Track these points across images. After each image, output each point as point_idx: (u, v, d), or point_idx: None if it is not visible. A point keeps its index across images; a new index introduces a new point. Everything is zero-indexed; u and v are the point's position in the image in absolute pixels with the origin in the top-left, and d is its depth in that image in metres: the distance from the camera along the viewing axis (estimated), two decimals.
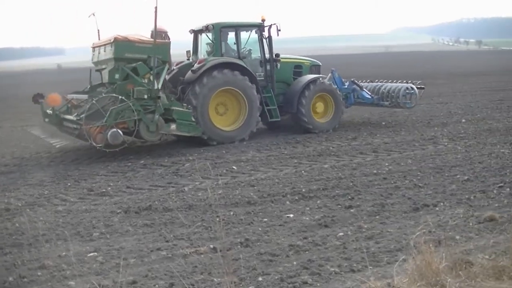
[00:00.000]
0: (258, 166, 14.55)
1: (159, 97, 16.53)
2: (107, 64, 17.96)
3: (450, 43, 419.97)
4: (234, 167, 14.41)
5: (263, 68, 20.40)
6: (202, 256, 7.96)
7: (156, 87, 16.53)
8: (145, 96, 16.29)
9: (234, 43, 20.09)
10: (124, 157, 16.24)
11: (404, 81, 22.69)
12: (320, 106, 20.61)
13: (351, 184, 12.11)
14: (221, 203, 10.80)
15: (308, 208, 10.37)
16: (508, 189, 11.30)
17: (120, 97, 16.04)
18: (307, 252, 8.06)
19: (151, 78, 16.71)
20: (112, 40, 17.23)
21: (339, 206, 10.46)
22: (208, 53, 20.27)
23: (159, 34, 18.41)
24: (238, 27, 20.20)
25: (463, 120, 22.24)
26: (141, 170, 14.69)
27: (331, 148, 16.73)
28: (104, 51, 17.97)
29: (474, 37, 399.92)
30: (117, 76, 17.03)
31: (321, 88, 20.51)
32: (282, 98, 20.68)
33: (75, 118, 16.09)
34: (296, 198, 11.16)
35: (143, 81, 16.72)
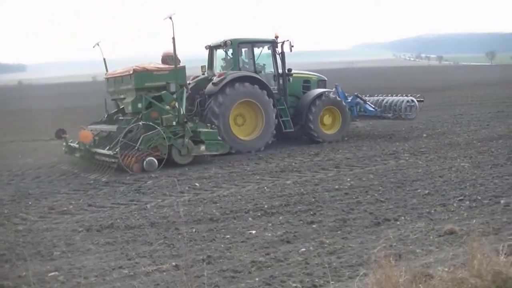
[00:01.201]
0: (220, 182, 14.58)
1: (186, 122, 17.64)
2: (126, 94, 18.90)
3: (412, 59, 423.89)
4: (196, 184, 14.42)
5: (276, 82, 21.87)
6: (165, 273, 7.94)
7: (182, 112, 17.73)
8: (174, 123, 17.43)
9: (250, 58, 21.60)
10: (86, 175, 16.16)
11: (404, 95, 24.04)
12: (327, 119, 22.07)
13: (313, 199, 12.17)
14: (184, 220, 10.77)
15: (270, 224, 10.41)
16: (467, 202, 11.46)
17: (152, 124, 17.11)
18: (269, 268, 8.08)
19: (177, 105, 17.68)
20: (131, 72, 18.12)
21: (301, 221, 10.51)
22: (223, 68, 21.91)
23: (171, 58, 19.45)
24: (254, 43, 21.80)
25: (424, 135, 22.56)
26: (103, 188, 14.63)
27: (293, 164, 16.85)
28: (122, 81, 18.95)
29: (435, 52, 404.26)
30: (139, 105, 17.84)
31: (329, 102, 21.92)
32: (293, 110, 21.99)
33: (111, 153, 16.61)
34: (259, 214, 11.19)
35: (167, 108, 17.64)
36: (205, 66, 22.39)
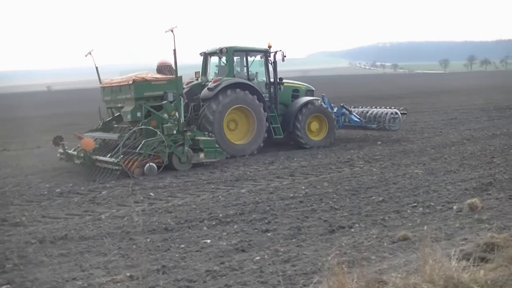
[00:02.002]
0: (175, 192, 14.49)
1: (185, 131, 18.34)
2: (124, 103, 19.47)
3: (367, 67, 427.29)
4: (151, 194, 14.31)
5: (267, 90, 22.74)
6: (119, 284, 7.86)
7: (182, 121, 18.56)
8: (174, 131, 18.08)
9: (244, 66, 22.69)
10: (40, 186, 15.99)
11: (388, 107, 24.98)
12: (314, 125, 22.91)
13: (268, 208, 12.17)
14: (138, 230, 10.67)
15: (225, 233, 10.38)
16: (421, 208, 11.60)
17: (154, 129, 17.90)
18: (224, 277, 8.06)
19: (177, 114, 18.42)
20: (130, 82, 18.77)
21: (256, 230, 10.51)
22: (217, 74, 22.74)
23: (166, 68, 20.87)
24: (248, 52, 22.79)
25: (379, 143, 22.80)
26: (57, 198, 14.40)
27: (248, 172, 16.84)
28: (120, 91, 19.49)
29: (390, 60, 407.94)
30: (139, 114, 18.58)
31: (316, 109, 22.84)
32: (281, 118, 22.84)
33: (114, 160, 17.05)
34: (213, 223, 11.14)
35: (165, 117, 18.33)
36: (199, 72, 22.89)
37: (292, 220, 11.08)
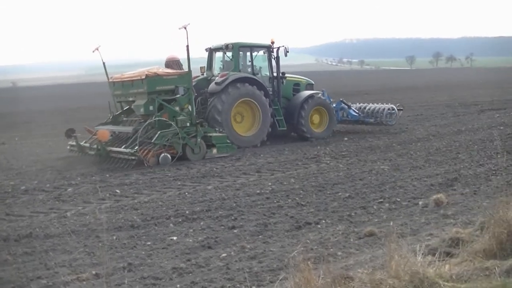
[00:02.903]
0: (141, 189, 14.40)
1: (198, 123, 19.31)
2: (136, 97, 20.21)
3: (334, 63, 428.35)
4: (117, 191, 14.20)
5: (271, 84, 23.65)
6: (84, 282, 7.81)
7: (194, 114, 19.64)
8: (188, 124, 19.12)
9: (249, 61, 23.64)
10: (3, 183, 15.81)
11: (385, 103, 25.84)
12: (316, 118, 23.96)
13: (235, 204, 12.17)
14: (104, 228, 10.57)
15: (191, 230, 10.36)
16: (387, 204, 11.69)
17: (168, 121, 18.77)
18: (190, 274, 8.05)
19: (190, 108, 19.59)
20: (143, 77, 19.49)
21: (223, 227, 10.50)
22: (222, 69, 23.59)
23: (175, 63, 22.35)
24: (252, 47, 23.79)
25: (345, 139, 22.92)
26: (22, 196, 14.21)
27: (215, 169, 16.79)
28: (132, 85, 20.19)
29: (356, 57, 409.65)
30: (151, 107, 19.31)
31: (318, 103, 23.86)
32: (284, 111, 23.60)
33: (131, 150, 17.75)
34: (180, 220, 11.11)
35: (176, 110, 19.36)
36: (204, 67, 24.12)
37: (258, 217, 11.09)
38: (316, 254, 8.14)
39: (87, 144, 19.88)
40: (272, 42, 23.72)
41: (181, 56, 22.17)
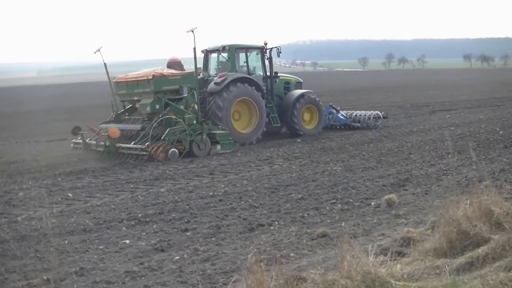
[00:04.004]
0: (94, 192, 14.25)
1: (203, 121, 20.45)
2: (141, 96, 21.20)
3: (287, 65, 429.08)
4: (69, 195, 14.05)
5: (264, 83, 24.69)
6: None
7: (200, 113, 20.58)
8: (194, 122, 20.06)
9: (244, 62, 24.66)
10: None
11: (371, 111, 27.61)
12: (307, 116, 25.31)
13: (187, 207, 12.12)
14: (56, 232, 10.48)
15: (144, 233, 10.30)
16: (339, 205, 11.76)
17: (176, 118, 19.72)
18: (143, 277, 8.01)
19: (196, 106, 20.66)
20: (150, 77, 20.53)
21: (176, 229, 10.46)
22: (218, 70, 24.80)
23: (176, 64, 23.19)
24: (247, 48, 24.95)
25: (298, 140, 23.02)
26: None
27: (167, 171, 16.69)
28: (138, 85, 21.18)
29: (310, 59, 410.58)
30: (157, 106, 20.34)
31: (309, 101, 25.26)
32: (277, 109, 24.69)
33: (142, 146, 18.68)
34: (133, 223, 11.04)
35: (181, 108, 20.33)
36: (200, 67, 23.98)
37: (211, 219, 11.07)
38: (269, 256, 8.15)
39: (93, 142, 20.71)
40: (265, 44, 24.93)
41: (180, 56, 23.98)
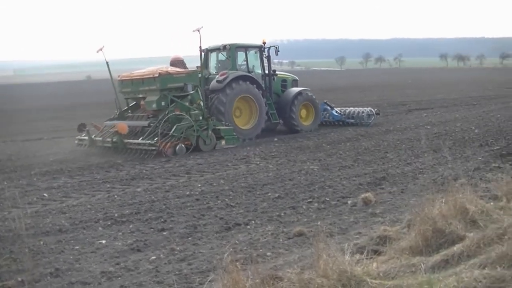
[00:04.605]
0: (70, 192, 14.15)
1: (209, 117, 21.31)
2: (147, 93, 21.97)
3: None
4: (45, 195, 13.92)
5: (263, 81, 25.47)
6: None
7: (205, 109, 21.49)
8: (200, 118, 20.93)
9: (244, 60, 25.54)
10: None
11: (364, 107, 28.45)
12: (304, 112, 26.22)
13: (164, 206, 12.08)
14: (31, 233, 10.40)
15: (120, 233, 10.24)
16: (316, 204, 11.77)
17: (184, 115, 20.55)
18: (119, 278, 7.96)
19: (201, 103, 21.53)
20: (156, 75, 21.28)
21: (152, 229, 10.42)
22: (217, 68, 25.70)
23: (179, 62, 24.31)
24: (247, 47, 25.82)
25: (275, 139, 23.06)
26: None
27: (144, 171, 16.64)
28: (143, 83, 21.99)
29: (287, 58, 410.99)
30: (163, 103, 21.09)
31: (306, 99, 26.25)
32: (275, 106, 25.66)
33: (151, 142, 19.45)
34: (109, 223, 10.97)
35: (186, 105, 21.16)
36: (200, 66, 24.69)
37: (188, 218, 11.04)
38: (245, 255, 8.13)
39: (100, 138, 21.56)
40: (264, 43, 25.93)
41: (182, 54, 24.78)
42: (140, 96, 22.35)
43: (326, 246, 6.50)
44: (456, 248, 6.79)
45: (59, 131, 29.31)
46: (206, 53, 25.67)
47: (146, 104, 21.78)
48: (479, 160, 15.63)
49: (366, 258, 6.77)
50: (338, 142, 21.35)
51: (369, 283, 6.01)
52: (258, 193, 13.08)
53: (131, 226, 10.72)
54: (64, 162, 18.72)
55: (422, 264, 6.50)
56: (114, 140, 20.74)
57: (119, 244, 9.61)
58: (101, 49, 23.43)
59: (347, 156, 17.63)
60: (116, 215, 11.53)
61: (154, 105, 21.29)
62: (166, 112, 20.60)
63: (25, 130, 30.46)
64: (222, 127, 21.71)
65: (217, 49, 25.64)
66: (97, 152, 21.14)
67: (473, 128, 23.00)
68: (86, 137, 21.91)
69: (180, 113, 20.65)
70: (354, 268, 6.21)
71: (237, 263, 6.21)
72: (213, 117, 22.15)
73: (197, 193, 13.33)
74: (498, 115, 28.04)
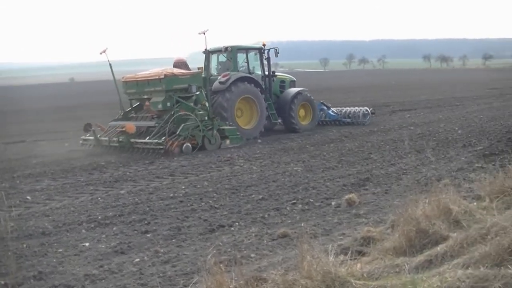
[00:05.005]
0: (53, 195, 14.07)
1: (214, 117, 21.68)
2: (152, 94, 22.43)
3: None
4: (28, 197, 13.84)
5: (263, 82, 25.94)
6: None
7: (211, 110, 22.02)
8: (206, 118, 21.40)
9: (245, 62, 26.00)
10: None
11: (361, 107, 29.39)
12: (302, 112, 26.76)
13: (148, 208, 12.04)
14: (14, 236, 10.32)
15: (104, 236, 10.20)
16: (300, 205, 11.78)
17: (193, 116, 21.02)
18: (103, 280, 7.94)
19: (206, 104, 22.21)
20: (162, 76, 21.71)
21: (136, 231, 10.39)
22: (218, 69, 26.13)
23: (182, 64, 24.83)
24: (247, 49, 26.47)
25: (259, 141, 23.08)
26: None
27: (128, 173, 16.59)
28: (148, 84, 22.42)
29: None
30: (169, 104, 21.55)
31: (304, 99, 26.80)
32: (275, 106, 26.18)
33: (158, 141, 19.98)
34: (92, 226, 10.92)
35: (191, 105, 21.74)
36: (202, 67, 25.78)
37: (172, 220, 11.02)
38: (229, 257, 8.14)
39: (106, 138, 21.96)
40: (264, 45, 26.54)
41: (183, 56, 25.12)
42: (145, 97, 22.77)
43: (310, 247, 6.50)
44: (440, 248, 6.80)
45: (41, 133, 29.21)
46: (207, 55, 26.21)
47: (151, 104, 22.18)
48: (462, 161, 15.72)
49: (350, 259, 6.78)
50: (322, 143, 21.39)
51: (353, 284, 6.02)
52: (242, 194, 13.07)
53: (114, 228, 10.68)
54: (48, 165, 18.60)
55: (406, 265, 6.51)
56: (120, 139, 21.27)
57: (103, 246, 9.58)
58: (104, 51, 23.77)
59: (331, 158, 17.65)
60: (99, 217, 11.48)
61: (159, 106, 21.78)
62: (172, 113, 21.10)
63: (6, 133, 30.22)
64: (226, 127, 22.22)
65: (218, 51, 26.08)
66: (102, 151, 21.59)
67: (456, 128, 23.15)
68: (91, 137, 22.44)
69: (187, 113, 21.12)
70: (338, 269, 6.21)
71: (221, 265, 6.19)
72: (218, 117, 22.46)
73: (181, 195, 13.30)
74: (481, 116, 28.26)
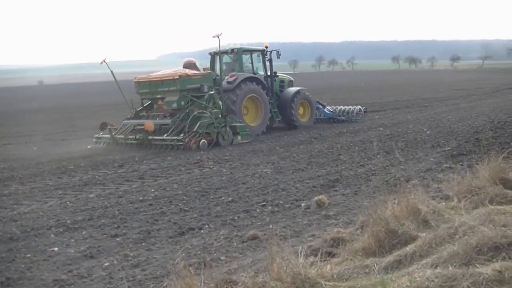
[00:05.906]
0: (21, 199, 13.88)
1: (226, 115, 22.94)
2: (166, 94, 23.59)
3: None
4: None
5: (265, 82, 27.30)
6: None
7: (224, 108, 23.34)
8: (220, 115, 22.58)
9: (250, 63, 27.38)
10: None
11: (354, 105, 31.37)
12: (301, 110, 28.55)
13: (117, 212, 11.96)
14: None
15: (73, 240, 10.11)
16: (270, 207, 11.79)
17: (209, 114, 22.15)
18: (72, 286, 7.88)
19: (219, 102, 23.38)
20: (176, 77, 22.99)
21: (105, 235, 10.31)
22: (224, 70, 26.79)
23: (192, 65, 26.00)
24: (252, 51, 28.03)
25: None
26: None
27: (97, 177, 16.43)
28: (162, 84, 23.60)
29: None
30: (183, 103, 22.84)
31: (303, 97, 28.61)
32: (276, 104, 27.63)
33: (178, 137, 21.23)
34: (61, 230, 10.81)
35: (204, 104, 22.83)
36: (207, 68, 27.28)
37: (141, 224, 10.95)
38: (199, 260, 8.14)
39: (121, 136, 23.19)
40: (266, 47, 27.96)
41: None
42: (158, 96, 23.87)
43: (280, 249, 6.49)
44: (409, 248, 6.84)
45: (7, 137, 28.96)
46: (213, 56, 27.82)
47: (165, 103, 23.43)
48: (431, 161, 15.84)
49: (320, 260, 6.79)
50: (292, 145, 21.43)
51: (323, 285, 6.02)
52: (211, 197, 13.04)
53: (84, 232, 10.59)
54: (15, 169, 18.40)
55: (375, 265, 6.53)
56: (137, 137, 22.44)
57: (72, 251, 9.49)
58: (104, 60, 24.43)
59: (301, 159, 17.69)
60: (68, 221, 11.37)
61: (174, 105, 23.08)
62: (187, 111, 22.39)
63: None
64: (237, 124, 23.27)
65: (224, 52, 27.06)
66: (118, 149, 22.39)
67: (425, 129, 23.34)
68: (105, 135, 23.62)
69: (202, 111, 22.30)
70: (308, 270, 6.21)
71: (191, 268, 6.17)
72: (230, 115, 23.55)
73: (150, 198, 13.24)
74: (449, 117, 28.54)
